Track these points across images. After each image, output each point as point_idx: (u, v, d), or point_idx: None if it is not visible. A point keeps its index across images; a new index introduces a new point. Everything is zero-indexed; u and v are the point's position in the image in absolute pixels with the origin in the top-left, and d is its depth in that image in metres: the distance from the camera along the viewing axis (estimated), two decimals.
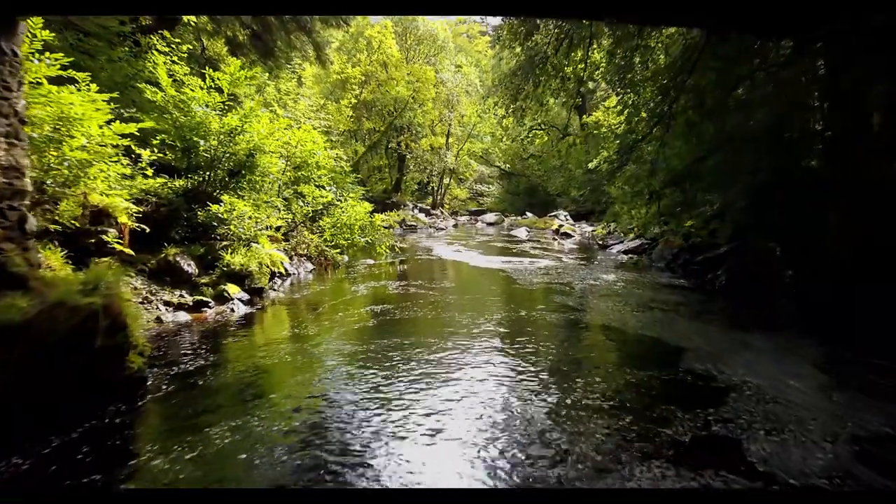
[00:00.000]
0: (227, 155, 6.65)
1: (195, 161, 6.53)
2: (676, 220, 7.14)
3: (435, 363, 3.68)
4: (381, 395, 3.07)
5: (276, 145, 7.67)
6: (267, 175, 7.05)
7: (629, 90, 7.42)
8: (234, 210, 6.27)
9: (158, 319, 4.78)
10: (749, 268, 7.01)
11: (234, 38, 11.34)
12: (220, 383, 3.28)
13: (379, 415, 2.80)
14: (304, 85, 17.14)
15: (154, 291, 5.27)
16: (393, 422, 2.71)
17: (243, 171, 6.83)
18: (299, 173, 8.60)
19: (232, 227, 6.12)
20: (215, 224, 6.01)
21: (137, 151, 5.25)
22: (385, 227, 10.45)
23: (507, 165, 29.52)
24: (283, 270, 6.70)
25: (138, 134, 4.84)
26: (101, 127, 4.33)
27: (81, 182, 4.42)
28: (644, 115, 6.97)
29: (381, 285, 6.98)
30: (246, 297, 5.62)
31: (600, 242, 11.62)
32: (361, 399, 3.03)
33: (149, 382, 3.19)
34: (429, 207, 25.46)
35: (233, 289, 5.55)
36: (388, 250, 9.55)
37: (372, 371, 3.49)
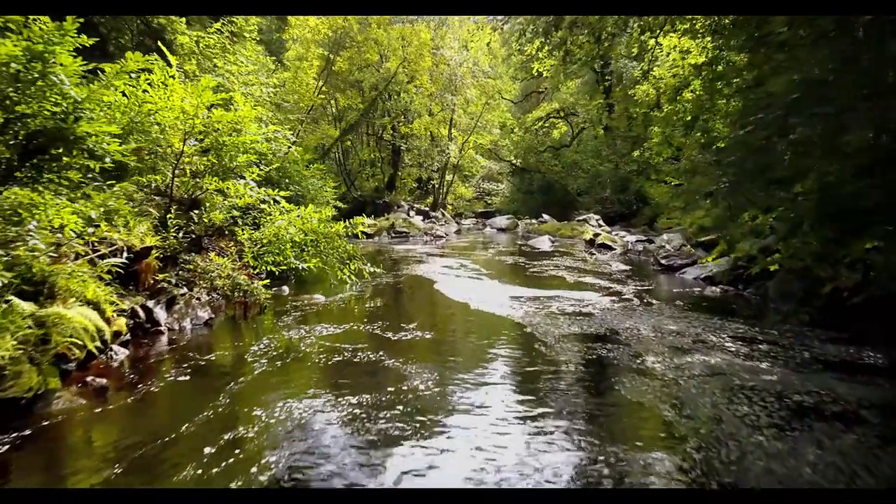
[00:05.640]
0: (18, 118, 3.53)
1: None
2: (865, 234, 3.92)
3: None
4: None
5: (159, 111, 4.56)
6: (104, 157, 3.89)
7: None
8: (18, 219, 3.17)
9: None
10: None
11: None
12: None
13: None
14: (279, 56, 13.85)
15: None
16: None
17: (57, 149, 3.70)
18: (206, 159, 5.46)
19: None
20: None
21: None
22: (354, 238, 7.36)
23: (519, 161, 26.20)
24: (100, 345, 3.45)
25: None
26: None
27: None
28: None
29: (313, 354, 3.81)
30: None
31: (664, 261, 8.32)
32: None
33: None
34: (428, 208, 22.26)
35: None
36: (351, 277, 6.37)
37: None
